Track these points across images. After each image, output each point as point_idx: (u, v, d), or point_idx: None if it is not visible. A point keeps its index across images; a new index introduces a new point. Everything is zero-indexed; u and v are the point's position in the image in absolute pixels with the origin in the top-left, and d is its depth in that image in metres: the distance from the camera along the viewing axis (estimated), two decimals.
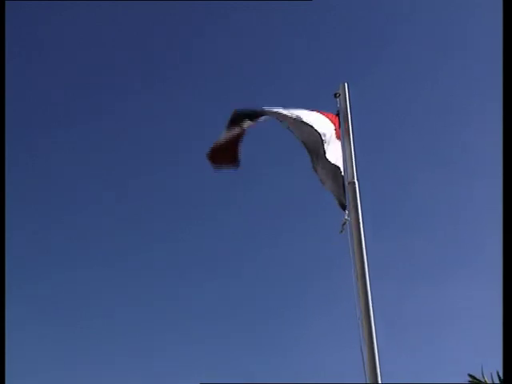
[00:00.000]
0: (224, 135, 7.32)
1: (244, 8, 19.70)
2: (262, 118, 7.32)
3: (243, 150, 7.41)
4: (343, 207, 7.08)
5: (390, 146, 20.32)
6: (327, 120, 7.55)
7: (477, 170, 19.82)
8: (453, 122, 20.80)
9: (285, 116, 7.31)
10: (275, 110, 7.35)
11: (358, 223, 6.95)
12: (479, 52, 19.04)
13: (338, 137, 7.51)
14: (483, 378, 12.26)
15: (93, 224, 20.61)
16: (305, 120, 7.33)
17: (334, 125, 7.56)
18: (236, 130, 7.28)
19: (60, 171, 21.23)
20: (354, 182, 7.16)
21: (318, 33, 20.89)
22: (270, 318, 18.99)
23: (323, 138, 7.29)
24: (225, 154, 7.45)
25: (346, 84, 7.64)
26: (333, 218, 7.13)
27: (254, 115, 7.28)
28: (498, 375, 12.11)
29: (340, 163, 7.32)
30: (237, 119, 7.26)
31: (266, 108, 7.34)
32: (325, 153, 7.25)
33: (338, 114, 7.63)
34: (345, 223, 6.97)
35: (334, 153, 7.37)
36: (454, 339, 17.69)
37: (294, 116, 7.31)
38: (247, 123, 7.27)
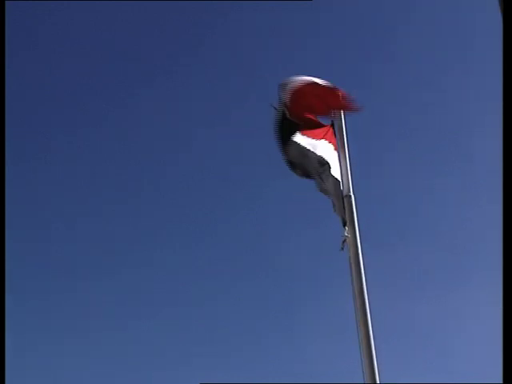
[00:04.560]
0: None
1: (246, 7, 19.45)
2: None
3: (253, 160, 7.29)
4: (344, 223, 6.87)
5: (387, 156, 19.98)
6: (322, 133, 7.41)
7: (480, 178, 19.57)
8: (454, 128, 20.45)
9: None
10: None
11: (355, 237, 6.75)
12: (485, 53, 18.67)
13: (335, 148, 7.36)
14: None
15: (95, 233, 20.49)
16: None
17: (329, 137, 7.41)
18: None
19: (61, 180, 21.09)
20: (350, 196, 6.98)
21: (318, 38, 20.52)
22: (270, 324, 18.84)
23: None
24: None
25: None
26: (334, 233, 6.97)
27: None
28: None
29: (339, 176, 7.16)
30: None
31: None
32: (330, 168, 7.12)
33: (332, 125, 7.49)
34: (345, 240, 6.76)
35: (334, 166, 7.22)
36: (463, 352, 17.38)
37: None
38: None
